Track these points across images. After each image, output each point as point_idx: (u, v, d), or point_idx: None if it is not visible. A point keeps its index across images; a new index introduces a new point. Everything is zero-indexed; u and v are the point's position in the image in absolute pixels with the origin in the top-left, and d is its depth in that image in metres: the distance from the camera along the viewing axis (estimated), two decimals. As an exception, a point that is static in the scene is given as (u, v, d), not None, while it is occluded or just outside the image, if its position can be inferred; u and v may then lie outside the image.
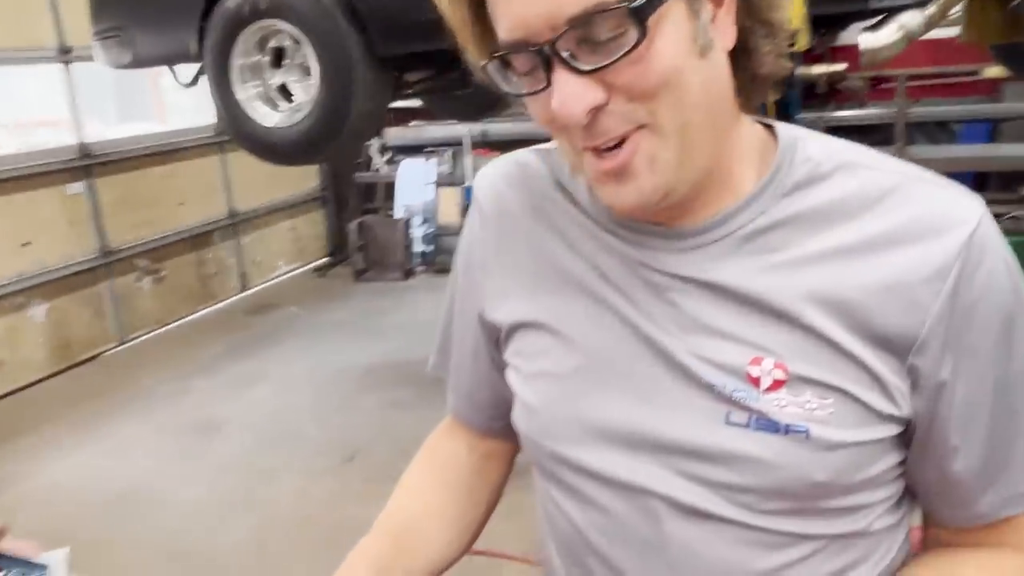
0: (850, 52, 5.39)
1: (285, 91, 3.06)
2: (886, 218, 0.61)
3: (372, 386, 3.97)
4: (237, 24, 2.91)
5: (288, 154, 3.07)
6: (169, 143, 5.26)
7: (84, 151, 4.64)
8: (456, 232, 5.61)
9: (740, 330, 0.64)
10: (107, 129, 5.23)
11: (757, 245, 0.64)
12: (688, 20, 0.57)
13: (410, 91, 3.46)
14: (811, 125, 5.27)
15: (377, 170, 6.60)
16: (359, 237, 6.07)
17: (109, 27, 3.26)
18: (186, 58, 3.19)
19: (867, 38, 2.37)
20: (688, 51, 0.57)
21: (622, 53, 0.55)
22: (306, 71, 2.94)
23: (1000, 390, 0.63)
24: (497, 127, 5.82)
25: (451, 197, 6.06)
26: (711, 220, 0.65)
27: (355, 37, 2.80)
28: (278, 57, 3.02)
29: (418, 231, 6.14)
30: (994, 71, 4.99)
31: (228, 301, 5.68)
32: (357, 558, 0.79)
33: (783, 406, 0.62)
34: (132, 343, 4.94)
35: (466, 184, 5.92)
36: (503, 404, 0.82)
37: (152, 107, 6.80)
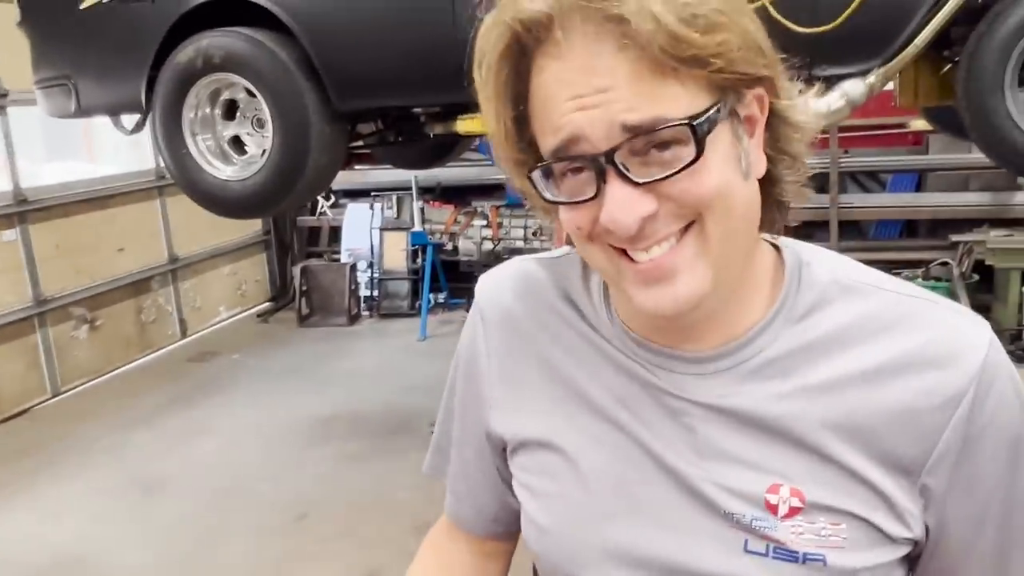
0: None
1: (238, 143, 3.03)
2: (899, 343, 0.63)
3: (322, 439, 3.90)
4: (189, 77, 2.87)
5: (243, 207, 3.03)
6: (107, 187, 5.13)
7: (19, 197, 4.49)
8: (402, 276, 5.39)
9: (757, 457, 0.64)
10: (36, 168, 5.07)
11: (772, 371, 0.65)
12: (733, 143, 0.60)
13: (362, 144, 3.45)
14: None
15: (322, 214, 6.54)
16: (303, 281, 5.99)
17: (53, 76, 3.17)
18: (134, 109, 3.13)
19: (813, 104, 2.46)
20: (735, 170, 0.60)
21: (680, 167, 0.57)
22: (261, 123, 2.91)
23: (1006, 508, 0.65)
24: (444, 172, 5.84)
25: (397, 242, 6.03)
26: (727, 346, 0.66)
27: (312, 91, 2.80)
28: (231, 109, 2.98)
29: (363, 276, 6.09)
30: (921, 124, 5.24)
31: (167, 349, 5.53)
32: None
33: (800, 533, 0.63)
34: (67, 395, 4.76)
35: (413, 229, 5.91)
36: (506, 511, 0.82)
37: (82, 145, 6.63)
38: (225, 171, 2.99)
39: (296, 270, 6.09)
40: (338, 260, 6.21)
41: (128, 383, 4.97)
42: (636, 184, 0.57)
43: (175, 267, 5.63)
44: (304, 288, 5.98)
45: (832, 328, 0.65)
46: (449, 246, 5.85)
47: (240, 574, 2.86)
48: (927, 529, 0.65)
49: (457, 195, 6.04)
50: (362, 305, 6.07)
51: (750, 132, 0.61)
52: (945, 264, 4.82)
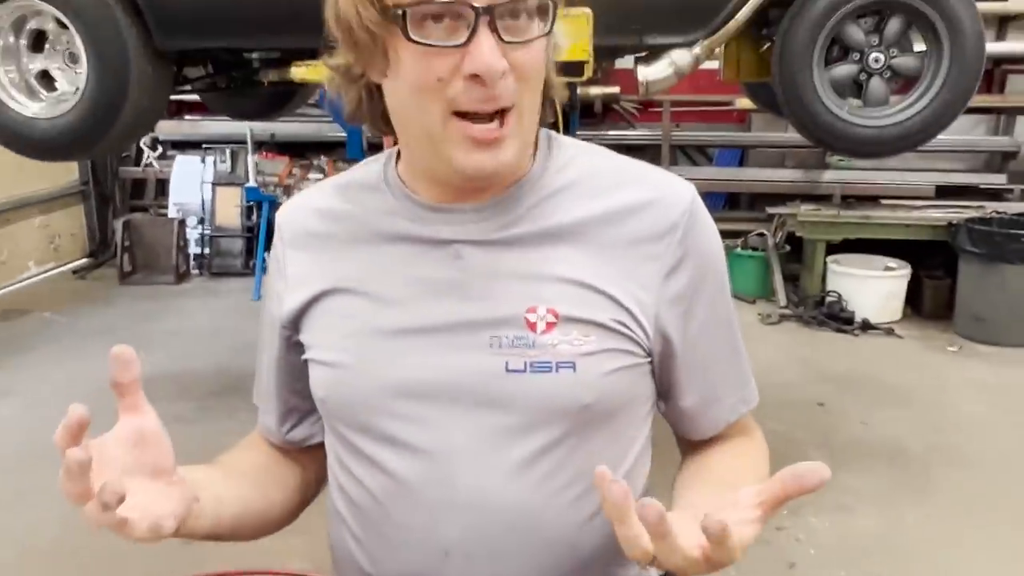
0: (623, 76, 4.78)
1: (48, 79, 2.79)
2: (629, 194, 0.80)
3: (147, 400, 3.32)
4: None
5: (51, 149, 2.80)
6: None
7: None
8: (236, 234, 5.03)
9: (520, 284, 0.78)
10: None
11: (536, 213, 0.80)
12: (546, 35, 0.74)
13: (190, 87, 3.30)
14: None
15: (148, 165, 6.11)
16: (125, 236, 5.61)
17: None
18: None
19: (643, 71, 2.64)
20: (548, 56, 0.75)
21: (534, 37, 0.70)
22: (73, 58, 2.70)
23: (708, 325, 0.82)
24: (282, 127, 5.64)
25: (230, 198, 5.75)
26: (501, 196, 0.80)
27: (131, 26, 2.61)
28: (39, 40, 2.76)
29: (193, 232, 5.79)
30: (746, 102, 5.24)
31: (-34, 306, 4.82)
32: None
33: (555, 345, 0.76)
34: None
35: (248, 184, 5.55)
36: (303, 413, 0.91)
37: None
38: (31, 107, 2.75)
39: (118, 224, 5.69)
40: (165, 215, 5.86)
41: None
42: (502, 40, 0.68)
43: (-24, 216, 5.15)
44: (127, 244, 5.61)
45: (578, 176, 0.81)
46: (284, 200, 5.35)
47: (50, 542, 2.64)
48: (658, 344, 0.81)
49: (294, 151, 5.73)
50: (192, 263, 5.77)
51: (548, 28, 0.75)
52: (761, 235, 5.14)
